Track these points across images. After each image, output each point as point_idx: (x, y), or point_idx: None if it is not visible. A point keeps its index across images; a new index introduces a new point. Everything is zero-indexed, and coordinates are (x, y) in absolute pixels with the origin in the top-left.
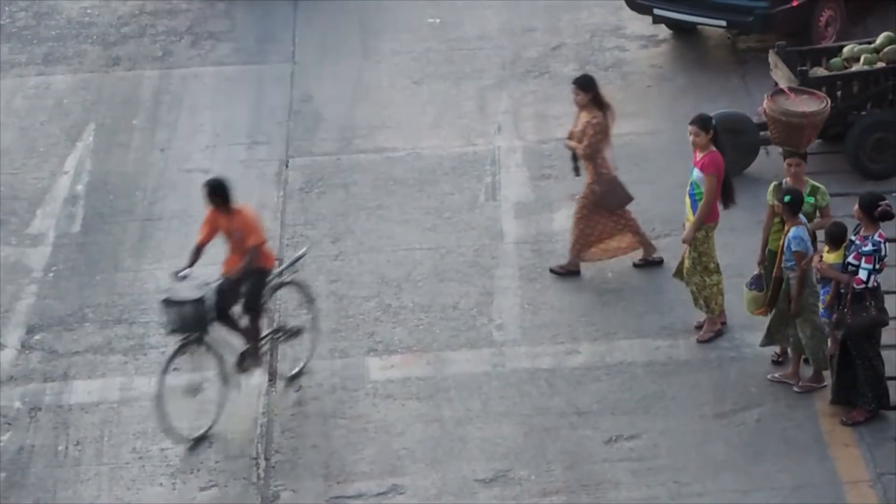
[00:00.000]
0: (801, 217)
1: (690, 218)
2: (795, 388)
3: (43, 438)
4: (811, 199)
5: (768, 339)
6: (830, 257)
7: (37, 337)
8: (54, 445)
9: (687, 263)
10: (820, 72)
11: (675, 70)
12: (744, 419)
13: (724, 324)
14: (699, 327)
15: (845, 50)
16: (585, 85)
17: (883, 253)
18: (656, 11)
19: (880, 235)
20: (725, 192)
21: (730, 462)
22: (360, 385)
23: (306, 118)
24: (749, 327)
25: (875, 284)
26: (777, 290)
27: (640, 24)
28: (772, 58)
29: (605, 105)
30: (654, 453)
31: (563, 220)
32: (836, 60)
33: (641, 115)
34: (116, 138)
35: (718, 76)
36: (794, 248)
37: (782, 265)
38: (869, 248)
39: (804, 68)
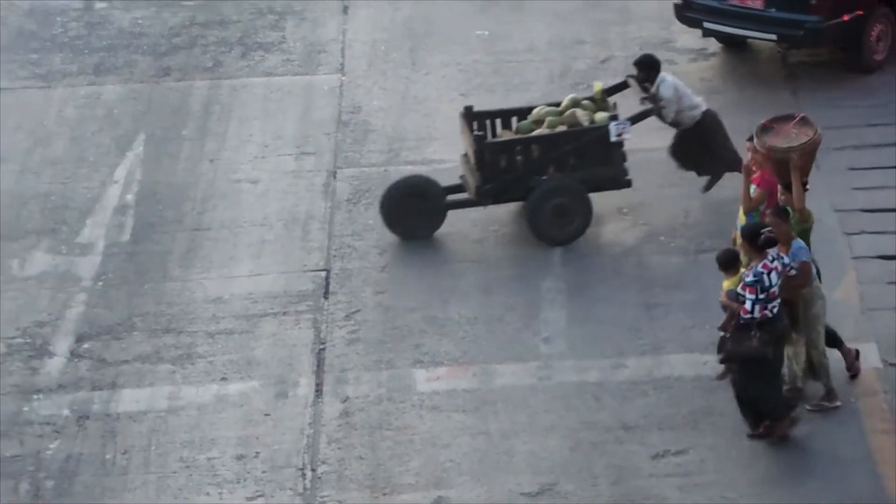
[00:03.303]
0: (799, 242)
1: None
2: (808, 406)
3: (91, 447)
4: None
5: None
6: (727, 284)
7: (86, 345)
8: (102, 454)
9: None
10: (507, 135)
11: (725, 84)
12: (792, 435)
13: None
14: None
15: (534, 112)
16: None
17: (766, 283)
18: (706, 25)
19: (764, 266)
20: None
21: (778, 479)
22: (407, 396)
23: (354, 129)
24: None
25: (766, 316)
26: (791, 314)
27: (690, 38)
28: (461, 121)
29: None
30: (702, 469)
31: (611, 233)
32: (524, 123)
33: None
34: (166, 148)
35: (768, 90)
36: (801, 259)
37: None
38: (750, 278)
39: (479, 133)
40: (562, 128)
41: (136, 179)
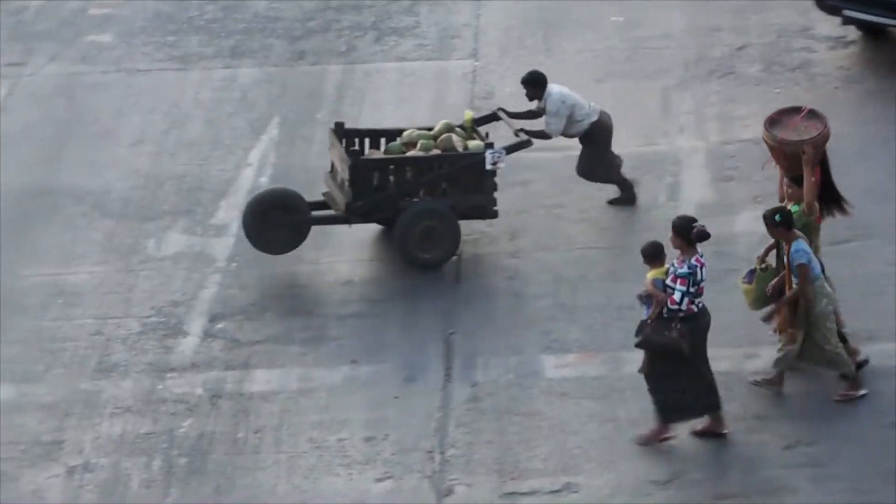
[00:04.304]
0: (800, 244)
1: None
2: (834, 398)
3: (223, 425)
4: (795, 208)
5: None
6: (652, 273)
7: (219, 326)
8: (234, 433)
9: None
10: (376, 155)
11: (863, 73)
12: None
13: None
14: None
15: (405, 134)
16: None
17: (699, 277)
18: (846, 12)
19: (697, 260)
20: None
21: None
22: (535, 382)
23: None
24: None
25: (692, 311)
26: (794, 311)
27: (828, 26)
28: (330, 136)
29: None
30: (834, 460)
31: (746, 222)
32: (394, 144)
33: (828, 118)
34: (300, 132)
35: None
36: (798, 262)
37: (793, 285)
38: (684, 270)
39: (355, 149)
40: (436, 152)
41: (269, 162)
